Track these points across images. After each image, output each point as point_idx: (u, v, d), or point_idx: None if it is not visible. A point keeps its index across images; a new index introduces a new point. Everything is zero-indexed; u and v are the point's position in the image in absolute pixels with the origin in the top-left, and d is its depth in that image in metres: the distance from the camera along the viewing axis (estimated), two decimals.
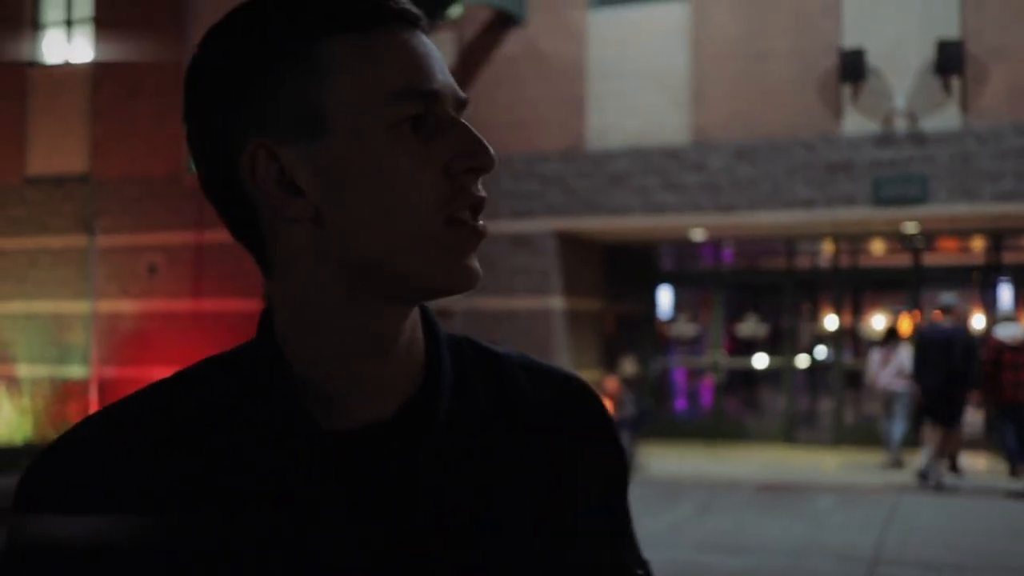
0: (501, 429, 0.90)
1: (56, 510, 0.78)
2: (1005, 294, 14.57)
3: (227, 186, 0.84)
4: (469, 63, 13.91)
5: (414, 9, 0.85)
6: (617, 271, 15.30)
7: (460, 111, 0.85)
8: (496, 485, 0.87)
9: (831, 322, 14.80)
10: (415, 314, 0.89)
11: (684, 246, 15.23)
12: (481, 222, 0.85)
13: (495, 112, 13.72)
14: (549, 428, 0.93)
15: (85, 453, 0.81)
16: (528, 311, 13.58)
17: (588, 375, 13.40)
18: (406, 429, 0.86)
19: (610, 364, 14.98)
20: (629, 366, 12.46)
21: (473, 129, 0.83)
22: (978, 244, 14.34)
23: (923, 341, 10.45)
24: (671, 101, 12.89)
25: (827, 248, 14.75)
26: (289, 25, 0.81)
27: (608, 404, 10.67)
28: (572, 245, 13.97)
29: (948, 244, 14.84)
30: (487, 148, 0.84)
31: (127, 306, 14.70)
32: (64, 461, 0.81)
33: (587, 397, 0.99)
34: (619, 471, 0.97)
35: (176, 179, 14.43)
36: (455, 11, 12.87)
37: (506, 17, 13.65)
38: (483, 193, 0.85)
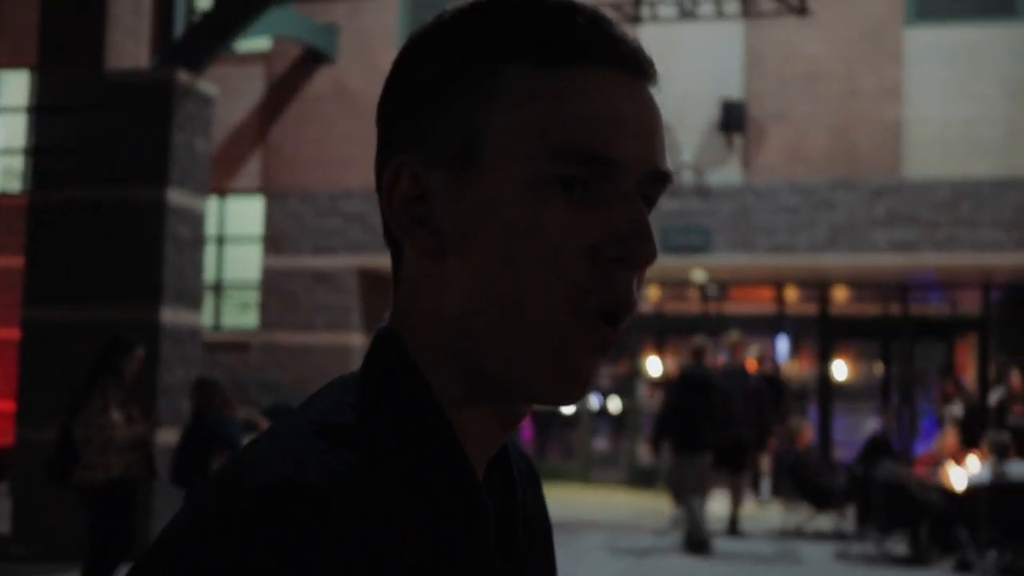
0: (527, 496, 0.84)
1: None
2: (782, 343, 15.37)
3: (381, 195, 0.76)
4: (277, 98, 13.90)
5: (640, 53, 0.73)
6: None
7: (654, 188, 0.73)
8: (534, 551, 0.83)
9: (632, 366, 15.27)
10: None
11: None
12: (618, 323, 0.71)
13: (302, 148, 13.74)
14: (531, 487, 0.88)
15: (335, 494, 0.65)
16: (326, 347, 13.55)
17: None
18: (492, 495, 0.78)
19: None
20: None
21: (644, 214, 0.70)
22: (766, 294, 15.09)
23: (680, 384, 9.86)
24: None
25: None
26: (474, 45, 0.72)
27: None
28: (376, 283, 14.03)
29: (742, 293, 15.56)
30: (650, 240, 0.69)
31: None
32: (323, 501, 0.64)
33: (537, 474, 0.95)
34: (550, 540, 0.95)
35: None
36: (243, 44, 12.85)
37: (317, 54, 13.72)
38: (631, 292, 0.70)
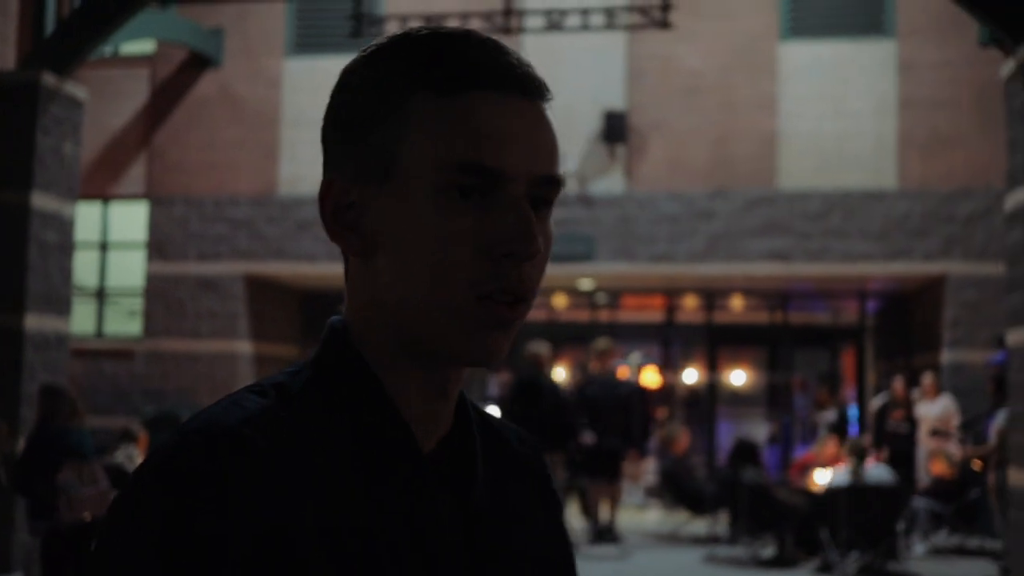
0: (502, 473, 0.95)
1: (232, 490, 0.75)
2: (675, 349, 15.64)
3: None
4: (161, 102, 13.71)
5: (531, 77, 0.85)
6: (321, 317, 15.30)
7: (546, 189, 0.84)
8: (513, 519, 0.93)
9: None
10: None
11: None
12: (518, 305, 0.84)
13: (187, 153, 13.57)
14: (523, 471, 0.99)
15: (247, 440, 0.78)
16: (212, 354, 13.38)
17: None
18: (448, 461, 0.89)
19: None
20: None
21: (529, 215, 0.82)
22: (656, 302, 15.33)
23: (513, 389, 9.74)
24: None
25: None
26: (394, 75, 0.85)
27: None
28: (264, 290, 13.91)
29: (633, 301, 15.78)
30: (530, 237, 0.81)
31: None
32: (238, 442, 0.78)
33: (542, 453, 1.05)
34: (559, 512, 1.04)
35: None
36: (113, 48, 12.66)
37: (202, 59, 13.56)
38: (525, 280, 0.83)
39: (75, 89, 9.14)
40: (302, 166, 13.33)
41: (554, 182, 0.85)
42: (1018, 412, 7.26)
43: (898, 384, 11.35)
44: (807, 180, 12.31)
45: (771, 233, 12.32)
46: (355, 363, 0.86)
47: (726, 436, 15.69)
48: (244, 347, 13.50)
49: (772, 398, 15.53)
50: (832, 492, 8.77)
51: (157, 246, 13.61)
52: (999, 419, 8.11)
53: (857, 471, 8.78)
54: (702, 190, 12.48)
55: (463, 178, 0.81)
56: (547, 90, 0.86)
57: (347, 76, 0.89)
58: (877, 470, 8.96)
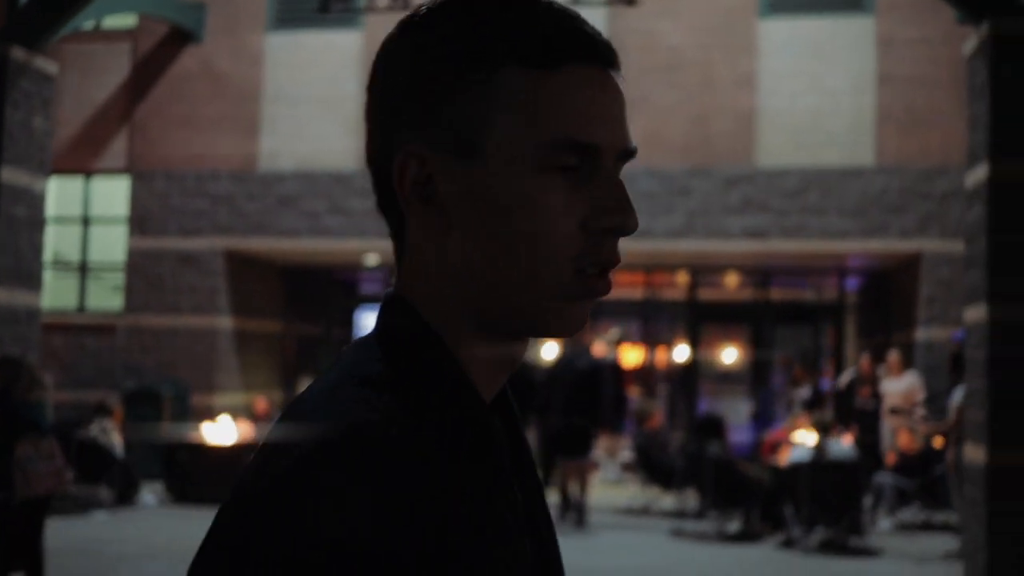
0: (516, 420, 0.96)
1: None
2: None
3: (381, 170, 0.86)
4: (143, 77, 13.72)
5: (610, 48, 0.84)
6: (305, 293, 15.39)
7: (623, 161, 0.85)
8: (535, 480, 0.96)
9: None
10: None
11: (380, 271, 15.50)
12: (606, 276, 0.84)
13: (167, 128, 13.59)
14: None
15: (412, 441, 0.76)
16: (192, 330, 13.45)
17: (259, 396, 13.39)
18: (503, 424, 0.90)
19: (290, 386, 15.04)
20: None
21: (624, 189, 0.83)
22: (638, 279, 15.37)
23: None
24: (342, 127, 13.16)
25: None
26: (476, 47, 0.81)
27: (249, 427, 10.49)
28: (245, 266, 13.95)
29: (615, 277, 15.79)
30: (632, 211, 0.82)
31: None
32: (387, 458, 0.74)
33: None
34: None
35: None
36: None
37: (183, 34, 13.56)
38: (616, 252, 0.83)
39: (45, 64, 9.15)
40: (283, 141, 13.35)
41: (632, 154, 0.85)
42: (973, 389, 7.30)
43: (864, 361, 11.39)
44: (785, 157, 12.31)
45: (749, 210, 12.33)
46: (436, 347, 0.84)
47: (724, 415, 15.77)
48: (224, 322, 13.56)
49: (755, 375, 15.58)
50: (794, 468, 8.84)
51: (138, 221, 13.65)
52: (956, 396, 8.16)
53: (821, 447, 8.84)
54: (680, 167, 12.49)
55: (564, 156, 0.80)
56: (620, 61, 0.86)
57: (419, 39, 0.84)
58: (839, 446, 9.02)
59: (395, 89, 0.84)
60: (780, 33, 12.42)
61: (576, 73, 0.81)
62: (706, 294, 15.38)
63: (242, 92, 13.45)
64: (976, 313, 7.25)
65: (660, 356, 16.05)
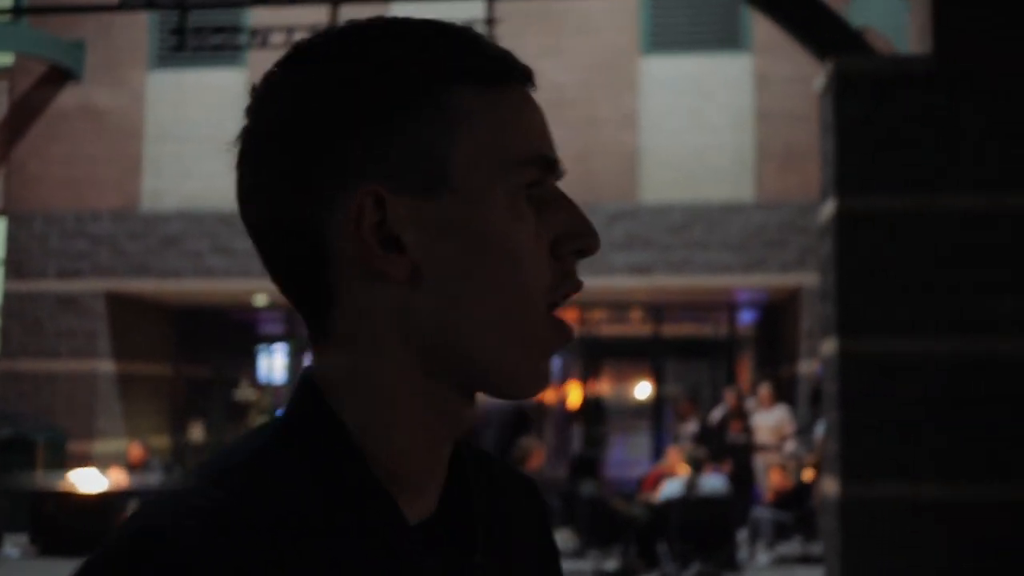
0: (503, 518, 0.84)
1: None
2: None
3: (298, 229, 0.72)
4: (20, 116, 13.40)
5: (528, 67, 0.78)
6: (197, 335, 15.07)
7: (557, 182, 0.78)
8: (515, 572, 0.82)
9: None
10: None
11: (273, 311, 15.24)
12: (570, 326, 0.76)
13: (46, 168, 13.28)
14: (524, 521, 0.87)
15: (209, 532, 0.67)
16: (71, 374, 13.08)
17: (134, 443, 13.03)
18: (451, 519, 0.78)
19: (179, 430, 14.69)
20: (197, 432, 12.27)
21: (578, 207, 0.76)
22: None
23: None
24: (226, 166, 12.81)
25: None
26: (422, 65, 0.72)
27: (122, 475, 10.19)
28: (129, 308, 13.63)
29: None
30: (594, 229, 0.76)
31: None
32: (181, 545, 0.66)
33: (540, 495, 0.93)
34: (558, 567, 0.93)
35: None
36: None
37: (62, 72, 13.29)
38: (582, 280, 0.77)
39: None
40: (167, 181, 13.12)
41: (563, 174, 0.79)
42: (831, 422, 7.35)
43: (730, 396, 11.50)
44: (668, 193, 12.42)
45: (634, 246, 12.40)
46: (330, 427, 0.73)
47: (614, 451, 15.75)
48: (106, 366, 13.21)
49: (656, 411, 15.61)
50: (667, 503, 8.82)
51: (15, 263, 13.28)
52: (819, 429, 8.23)
53: (693, 481, 8.84)
54: None
55: (533, 175, 0.73)
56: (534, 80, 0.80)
57: (338, 69, 0.72)
58: (711, 480, 9.02)
59: (317, 129, 0.72)
60: (661, 71, 12.56)
61: (518, 90, 0.76)
62: (599, 330, 15.44)
63: (123, 131, 13.21)
64: (829, 346, 7.31)
65: (562, 394, 16.00)
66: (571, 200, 0.76)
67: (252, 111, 0.75)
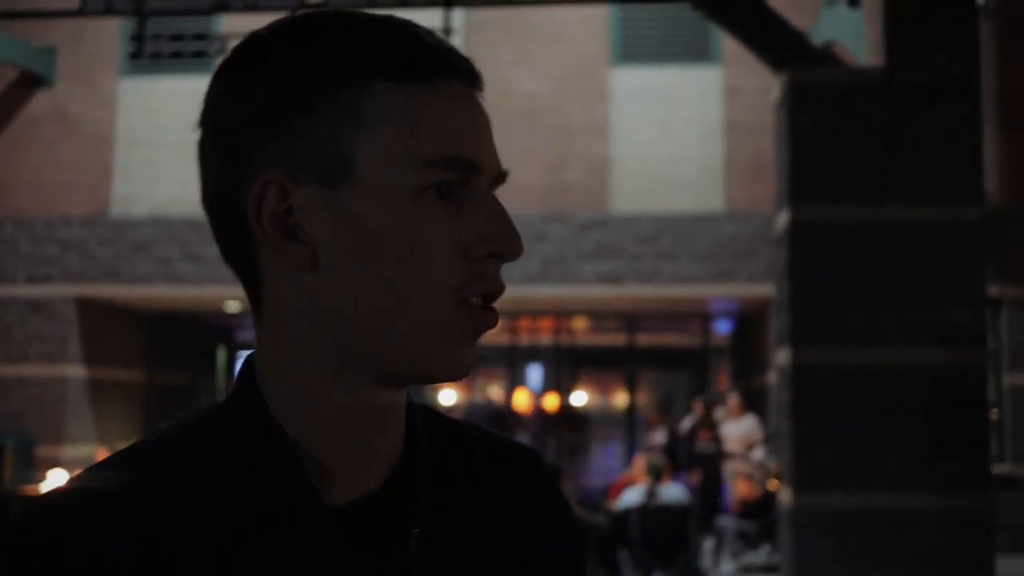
0: (469, 498, 0.84)
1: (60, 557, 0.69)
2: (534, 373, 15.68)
3: (227, 210, 0.77)
4: None
5: (475, 67, 0.78)
6: (172, 341, 15.04)
7: (496, 185, 0.79)
8: (473, 555, 0.81)
9: None
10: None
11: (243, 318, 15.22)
12: (492, 309, 0.77)
13: (17, 173, 13.25)
14: (508, 499, 0.87)
15: (91, 507, 0.71)
16: (41, 379, 13.03)
17: (102, 448, 13.00)
18: (393, 501, 0.79)
19: None
20: None
21: (506, 211, 0.77)
22: (503, 325, 15.36)
23: None
24: (197, 172, 12.94)
25: None
26: (338, 62, 0.74)
27: None
28: (100, 313, 13.60)
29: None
30: (516, 235, 0.77)
31: None
32: (69, 513, 0.71)
33: (541, 470, 0.92)
34: (574, 543, 0.91)
35: None
36: None
37: (33, 78, 13.27)
38: (499, 280, 0.77)
39: None
40: (137, 187, 13.11)
41: (504, 178, 0.80)
42: (785, 431, 7.38)
43: (698, 406, 11.53)
44: (638, 204, 12.45)
45: (603, 256, 12.42)
46: (256, 408, 0.77)
47: (591, 460, 15.78)
48: (76, 371, 13.17)
49: (630, 420, 15.64)
50: (625, 512, 8.83)
51: None
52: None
53: (652, 490, 8.85)
54: (535, 213, 12.55)
55: (443, 175, 0.74)
56: (482, 81, 0.80)
57: (267, 61, 0.76)
58: (670, 489, 9.04)
59: (240, 116, 0.76)
60: (631, 82, 12.61)
61: (446, 88, 0.76)
62: (584, 339, 15.48)
63: (95, 137, 13.19)
64: (783, 356, 7.35)
65: (531, 402, 16.01)
66: (497, 203, 0.78)
67: (204, 102, 0.80)
